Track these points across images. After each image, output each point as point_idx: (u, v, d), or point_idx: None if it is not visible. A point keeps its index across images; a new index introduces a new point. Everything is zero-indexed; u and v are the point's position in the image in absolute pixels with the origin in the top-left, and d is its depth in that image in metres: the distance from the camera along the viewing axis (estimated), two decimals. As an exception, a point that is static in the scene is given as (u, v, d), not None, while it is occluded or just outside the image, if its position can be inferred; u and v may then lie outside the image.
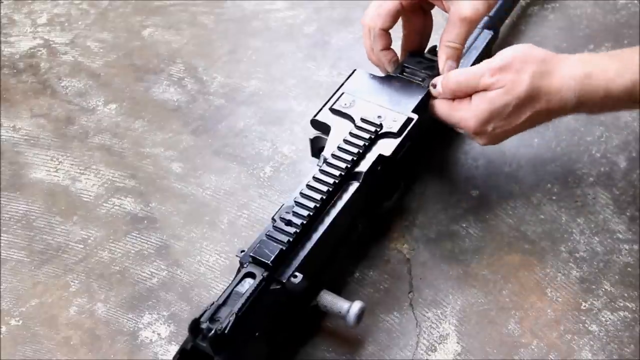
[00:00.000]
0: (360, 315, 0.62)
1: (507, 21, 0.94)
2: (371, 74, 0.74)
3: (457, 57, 0.71)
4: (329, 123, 0.70)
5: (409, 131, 0.69)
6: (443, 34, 0.70)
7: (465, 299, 0.68)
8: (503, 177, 0.78)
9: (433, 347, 0.65)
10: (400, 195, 0.76)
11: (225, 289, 0.57)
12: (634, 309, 0.67)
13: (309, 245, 0.62)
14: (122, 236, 0.75)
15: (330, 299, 0.63)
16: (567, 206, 0.75)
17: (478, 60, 0.79)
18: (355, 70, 0.74)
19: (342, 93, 0.72)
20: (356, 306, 0.62)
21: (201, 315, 0.55)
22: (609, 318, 0.66)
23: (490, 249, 0.72)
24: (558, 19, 0.94)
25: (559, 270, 0.70)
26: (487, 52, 0.84)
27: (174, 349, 0.66)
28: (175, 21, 0.96)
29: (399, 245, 0.73)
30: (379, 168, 0.68)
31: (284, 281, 0.59)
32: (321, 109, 0.71)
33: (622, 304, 0.67)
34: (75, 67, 0.91)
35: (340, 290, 0.69)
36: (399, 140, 0.68)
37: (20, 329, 0.68)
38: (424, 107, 0.71)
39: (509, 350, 0.65)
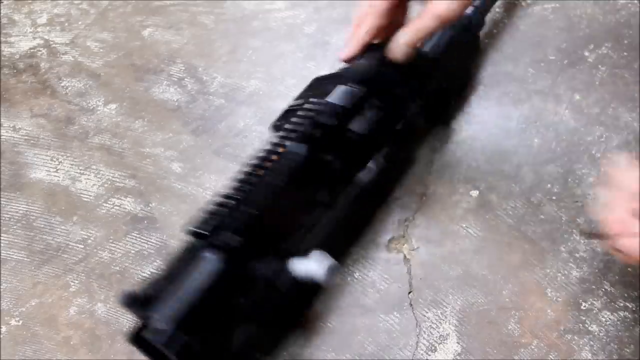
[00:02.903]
0: (332, 270, 0.61)
1: (506, 20, 0.94)
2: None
3: (409, 41, 0.67)
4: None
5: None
6: (410, 21, 0.67)
7: (465, 299, 0.68)
8: (503, 177, 0.78)
9: (433, 347, 0.65)
10: (382, 169, 0.73)
11: (168, 262, 0.58)
12: (634, 309, 0.67)
13: (247, 210, 0.60)
14: (122, 236, 0.75)
15: (300, 266, 0.62)
16: (567, 206, 0.75)
17: (444, 40, 0.77)
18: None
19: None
20: (324, 263, 0.61)
21: (139, 291, 0.56)
22: (609, 318, 0.66)
23: (490, 249, 0.72)
24: (558, 19, 0.94)
25: (559, 270, 0.70)
26: (465, 40, 0.82)
27: (174, 349, 0.66)
28: (175, 21, 0.96)
29: (399, 245, 0.73)
30: (323, 135, 0.66)
31: (222, 246, 0.58)
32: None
33: (622, 304, 0.67)
34: (75, 67, 0.91)
35: (341, 290, 0.69)
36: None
37: (20, 329, 0.68)
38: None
39: (509, 350, 0.65)
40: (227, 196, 0.62)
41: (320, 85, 0.72)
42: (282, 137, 0.66)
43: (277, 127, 0.70)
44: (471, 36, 0.85)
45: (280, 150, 0.65)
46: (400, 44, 0.68)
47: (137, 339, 0.55)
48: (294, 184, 0.64)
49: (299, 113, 0.68)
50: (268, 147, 0.66)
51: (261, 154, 0.65)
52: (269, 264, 0.62)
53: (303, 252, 0.64)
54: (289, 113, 0.70)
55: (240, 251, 0.58)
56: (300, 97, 0.72)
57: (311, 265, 0.61)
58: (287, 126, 0.67)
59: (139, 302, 0.54)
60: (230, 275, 0.59)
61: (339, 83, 0.69)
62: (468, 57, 0.86)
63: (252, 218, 0.60)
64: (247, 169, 0.64)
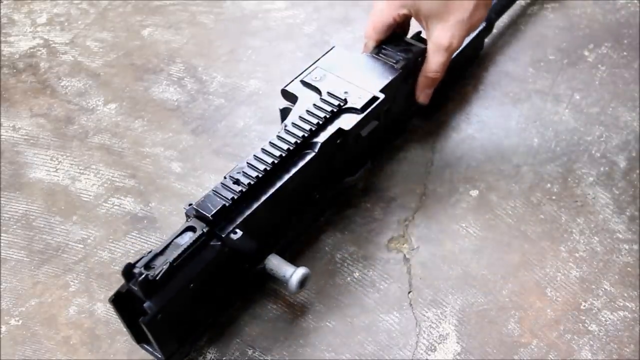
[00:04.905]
0: (303, 282, 0.63)
1: (506, 20, 0.94)
2: (348, 52, 0.76)
3: (434, 85, 0.76)
4: (297, 94, 0.71)
5: (373, 109, 0.70)
6: (425, 63, 0.74)
7: (465, 299, 0.68)
8: (503, 176, 0.78)
9: (433, 347, 0.65)
10: (366, 173, 0.77)
11: (166, 240, 0.58)
12: (633, 309, 0.67)
13: (255, 205, 0.62)
14: (122, 236, 0.75)
15: (276, 263, 0.64)
16: (567, 206, 0.75)
17: (463, 51, 0.80)
18: (333, 46, 0.76)
19: (316, 67, 0.73)
20: (299, 272, 0.63)
21: (137, 261, 0.56)
22: (609, 318, 0.66)
23: (490, 249, 0.72)
24: (558, 19, 0.95)
25: (559, 270, 0.70)
26: (477, 44, 0.86)
27: (173, 348, 0.66)
28: (175, 21, 0.96)
29: (399, 245, 0.73)
30: (338, 141, 0.68)
31: (224, 236, 0.60)
32: (292, 80, 0.72)
33: (622, 304, 0.67)
34: (75, 67, 0.91)
35: (341, 289, 0.69)
36: (361, 116, 0.69)
37: (20, 329, 0.68)
38: (394, 89, 0.73)
39: (508, 350, 0.65)
40: (237, 181, 0.62)
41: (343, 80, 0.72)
42: (303, 128, 0.66)
43: (287, 95, 0.72)
44: (478, 40, 0.86)
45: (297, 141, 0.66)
46: (426, 94, 0.77)
47: (116, 302, 0.58)
48: (302, 183, 0.66)
49: (320, 110, 0.68)
50: (289, 135, 0.66)
51: (284, 136, 0.66)
52: (256, 259, 0.65)
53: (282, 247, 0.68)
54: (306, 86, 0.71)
55: (237, 243, 0.60)
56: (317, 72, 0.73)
57: (288, 271, 0.63)
58: (307, 116, 0.67)
59: (137, 282, 0.56)
60: (221, 265, 0.61)
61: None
62: (468, 60, 0.87)
63: (254, 214, 0.62)
64: (268, 148, 0.65)
